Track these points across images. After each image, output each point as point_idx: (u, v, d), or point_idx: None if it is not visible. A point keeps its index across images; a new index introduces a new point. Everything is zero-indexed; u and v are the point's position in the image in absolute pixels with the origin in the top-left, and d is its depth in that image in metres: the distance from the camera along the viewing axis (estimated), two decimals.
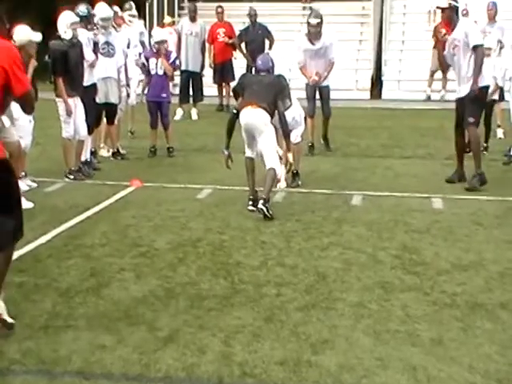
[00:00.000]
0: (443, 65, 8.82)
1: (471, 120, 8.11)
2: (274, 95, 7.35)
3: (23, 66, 4.43)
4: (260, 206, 6.97)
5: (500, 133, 11.32)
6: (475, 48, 7.97)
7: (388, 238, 6.45)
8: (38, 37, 7.65)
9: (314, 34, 10.11)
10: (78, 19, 8.72)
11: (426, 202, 7.76)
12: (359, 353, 4.18)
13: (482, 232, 6.65)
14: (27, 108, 4.48)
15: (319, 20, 10.07)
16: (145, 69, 10.48)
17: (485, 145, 10.09)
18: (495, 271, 5.58)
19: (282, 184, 8.29)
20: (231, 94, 9.02)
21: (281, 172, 7.77)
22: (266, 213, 6.94)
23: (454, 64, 8.38)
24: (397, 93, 17.24)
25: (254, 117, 7.24)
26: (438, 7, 8.42)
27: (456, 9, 8.12)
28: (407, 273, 5.54)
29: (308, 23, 10.17)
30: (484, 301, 4.98)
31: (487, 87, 8.39)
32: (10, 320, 4.42)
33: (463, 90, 8.21)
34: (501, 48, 10.88)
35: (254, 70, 8.76)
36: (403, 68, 17.93)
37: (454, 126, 8.55)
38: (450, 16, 8.10)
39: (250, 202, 7.23)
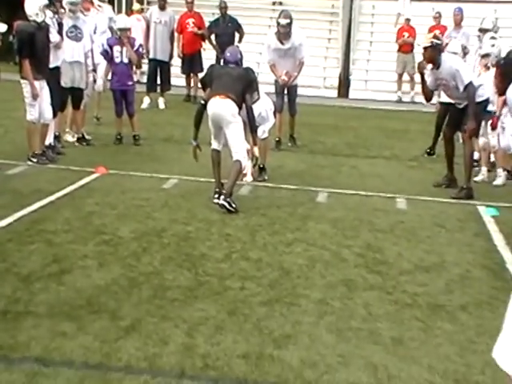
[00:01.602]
0: (427, 96, 8.45)
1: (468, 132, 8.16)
2: (242, 87, 7.30)
3: None
4: (221, 201, 6.95)
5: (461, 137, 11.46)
6: (466, 87, 7.97)
7: (352, 236, 6.49)
8: (2, 28, 7.46)
9: (284, 34, 10.09)
10: (48, 2, 8.57)
11: (390, 202, 7.82)
12: (321, 349, 4.20)
13: (444, 234, 6.74)
14: None
15: (289, 20, 10.04)
16: (108, 56, 10.30)
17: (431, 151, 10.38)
18: (456, 273, 5.66)
19: (249, 178, 8.28)
20: (199, 84, 8.94)
21: (247, 165, 7.76)
22: (229, 207, 6.93)
23: (442, 90, 8.57)
24: (364, 93, 17.37)
25: (221, 107, 7.18)
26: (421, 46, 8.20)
27: (438, 47, 8.05)
28: (370, 272, 5.58)
29: (278, 23, 10.14)
30: (444, 302, 5.05)
31: (487, 99, 8.42)
32: None
33: (459, 103, 8.31)
34: (465, 54, 10.96)
35: (222, 61, 8.68)
36: (371, 68, 18.06)
37: (443, 132, 8.80)
38: (433, 55, 8.00)
39: (216, 195, 7.19)
